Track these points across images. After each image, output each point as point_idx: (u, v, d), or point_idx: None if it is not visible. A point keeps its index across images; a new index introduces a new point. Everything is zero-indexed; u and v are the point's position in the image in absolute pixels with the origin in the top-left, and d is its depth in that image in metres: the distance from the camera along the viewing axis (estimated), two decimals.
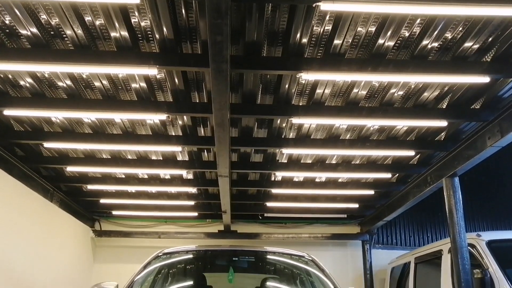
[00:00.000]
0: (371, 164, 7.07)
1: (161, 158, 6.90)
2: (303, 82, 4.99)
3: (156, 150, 6.52)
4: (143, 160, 6.90)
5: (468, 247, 5.67)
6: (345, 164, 7.02)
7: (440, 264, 6.41)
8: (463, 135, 5.87)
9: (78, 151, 6.68)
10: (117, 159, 6.86)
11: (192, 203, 8.86)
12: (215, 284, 4.38)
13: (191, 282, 4.38)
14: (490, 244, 5.56)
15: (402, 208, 7.91)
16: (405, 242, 9.96)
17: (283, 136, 6.15)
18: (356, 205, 8.73)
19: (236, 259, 4.57)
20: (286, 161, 7.06)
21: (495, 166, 9.89)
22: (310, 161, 7.04)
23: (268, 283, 4.37)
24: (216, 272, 4.71)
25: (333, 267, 9.14)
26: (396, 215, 8.47)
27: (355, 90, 5.07)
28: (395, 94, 5.14)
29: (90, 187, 7.93)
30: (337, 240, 9.65)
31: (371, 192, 8.04)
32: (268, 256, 4.79)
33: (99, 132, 6.02)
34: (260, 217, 9.75)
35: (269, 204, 8.84)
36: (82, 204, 8.82)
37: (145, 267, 4.24)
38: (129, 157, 6.86)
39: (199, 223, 9.82)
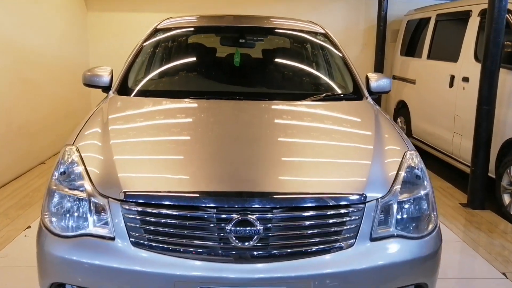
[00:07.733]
0: None
1: None
2: None
3: None
4: None
5: (507, 15, 4.86)
6: None
7: (465, 28, 5.79)
8: None
9: None
10: None
11: None
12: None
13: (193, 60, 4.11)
14: None
15: None
16: None
17: None
18: None
19: (242, 39, 4.05)
20: None
21: None
22: None
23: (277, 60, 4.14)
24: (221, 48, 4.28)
25: (346, 17, 8.76)
26: None
27: None
28: None
29: None
30: None
31: None
32: (278, 30, 4.36)
33: None
34: None
35: None
36: None
37: (141, 46, 3.79)
38: None
39: None
